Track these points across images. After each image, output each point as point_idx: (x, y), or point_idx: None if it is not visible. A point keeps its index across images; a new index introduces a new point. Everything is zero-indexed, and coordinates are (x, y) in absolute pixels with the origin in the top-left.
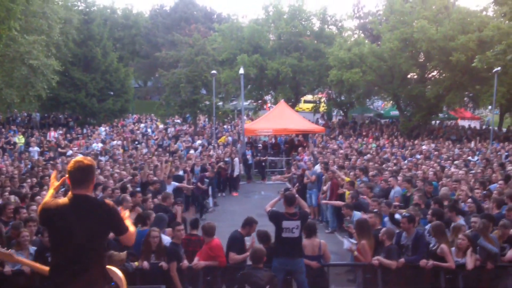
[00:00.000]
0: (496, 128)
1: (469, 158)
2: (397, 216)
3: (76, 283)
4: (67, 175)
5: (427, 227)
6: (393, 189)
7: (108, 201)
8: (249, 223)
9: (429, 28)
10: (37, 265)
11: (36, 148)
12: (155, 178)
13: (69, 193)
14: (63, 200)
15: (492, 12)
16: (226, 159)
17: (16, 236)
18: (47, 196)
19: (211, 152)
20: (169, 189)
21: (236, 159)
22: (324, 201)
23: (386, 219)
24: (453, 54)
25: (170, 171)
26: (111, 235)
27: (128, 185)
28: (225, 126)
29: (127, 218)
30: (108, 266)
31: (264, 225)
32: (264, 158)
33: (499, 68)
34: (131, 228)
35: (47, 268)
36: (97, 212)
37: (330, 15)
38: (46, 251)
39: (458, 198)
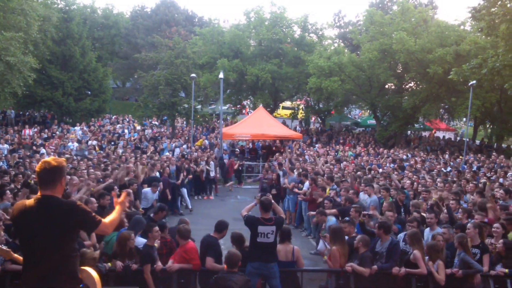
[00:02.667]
0: (470, 140)
1: (442, 169)
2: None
3: (42, 284)
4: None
5: (401, 235)
6: (370, 198)
7: (73, 200)
8: (224, 228)
9: (408, 40)
10: None
11: (6, 146)
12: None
13: (38, 194)
14: (30, 201)
15: (470, 27)
16: (202, 162)
17: None
18: None
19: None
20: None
21: (212, 163)
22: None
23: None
24: (430, 66)
25: (145, 174)
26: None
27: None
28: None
29: (122, 201)
30: (82, 268)
31: (240, 229)
32: (241, 163)
33: (474, 81)
34: (106, 220)
35: None
36: (61, 213)
37: (311, 23)
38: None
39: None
